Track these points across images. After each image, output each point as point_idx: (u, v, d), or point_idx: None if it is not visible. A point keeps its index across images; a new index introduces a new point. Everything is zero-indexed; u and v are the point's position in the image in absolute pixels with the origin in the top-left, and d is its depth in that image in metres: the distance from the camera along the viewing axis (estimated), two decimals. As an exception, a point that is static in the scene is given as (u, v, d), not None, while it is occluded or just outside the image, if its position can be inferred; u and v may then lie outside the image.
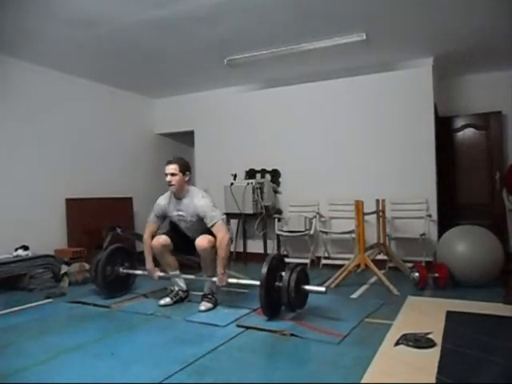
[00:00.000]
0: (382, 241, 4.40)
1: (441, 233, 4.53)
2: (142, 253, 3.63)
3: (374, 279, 4.27)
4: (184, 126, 6.58)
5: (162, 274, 3.55)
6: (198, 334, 2.77)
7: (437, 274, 3.87)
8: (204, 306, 3.29)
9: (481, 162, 5.48)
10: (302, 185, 5.56)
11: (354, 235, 4.43)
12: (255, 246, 5.66)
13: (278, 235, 5.50)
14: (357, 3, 3.63)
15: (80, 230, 5.17)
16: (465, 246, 3.89)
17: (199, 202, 3.30)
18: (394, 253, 4.70)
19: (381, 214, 4.45)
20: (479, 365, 2.16)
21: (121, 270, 3.80)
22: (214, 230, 3.22)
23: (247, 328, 2.84)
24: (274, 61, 4.93)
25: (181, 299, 3.54)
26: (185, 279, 3.61)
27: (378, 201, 4.41)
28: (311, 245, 5.27)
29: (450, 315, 2.99)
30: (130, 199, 6.02)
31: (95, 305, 3.53)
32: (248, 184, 5.31)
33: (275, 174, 5.77)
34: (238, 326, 2.90)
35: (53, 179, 5.09)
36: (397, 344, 2.45)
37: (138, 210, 6.08)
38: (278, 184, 5.77)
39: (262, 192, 5.37)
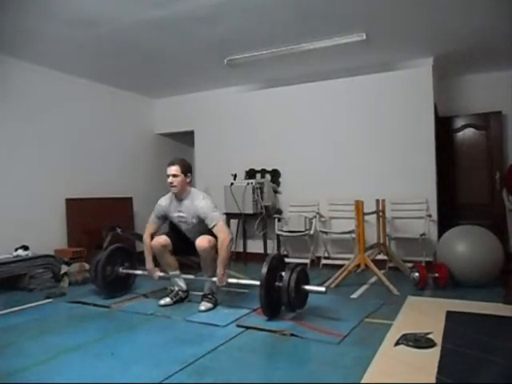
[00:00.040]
0: (382, 241, 4.40)
1: (441, 233, 4.53)
2: (142, 253, 3.63)
3: (374, 279, 4.27)
4: (184, 126, 6.58)
5: (161, 274, 3.55)
6: (198, 334, 2.77)
7: (437, 274, 3.87)
8: (204, 305, 3.29)
9: (481, 162, 5.48)
10: (302, 185, 5.56)
11: (354, 235, 4.43)
12: (255, 246, 5.66)
13: (278, 235, 5.50)
14: (357, 3, 3.63)
15: (80, 229, 5.17)
16: (465, 246, 3.89)
17: (200, 203, 3.31)
18: (394, 253, 4.70)
19: (381, 213, 4.45)
20: (479, 365, 2.16)
21: (121, 270, 3.80)
22: (215, 230, 3.22)
23: (247, 328, 2.84)
24: (274, 61, 4.93)
25: (181, 299, 3.54)
26: (185, 279, 3.61)
27: (377, 201, 4.41)
28: (311, 245, 5.27)
29: (450, 315, 2.99)
30: (130, 199, 6.02)
31: (95, 305, 3.53)
32: (248, 184, 5.31)
33: (275, 174, 5.77)
34: (238, 325, 2.90)
35: (53, 179, 5.09)
36: (397, 344, 2.45)
37: (138, 210, 6.08)
38: (278, 184, 5.77)
39: (262, 192, 5.37)
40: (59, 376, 2.15)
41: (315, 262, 5.28)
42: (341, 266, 4.32)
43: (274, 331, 2.74)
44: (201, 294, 3.44)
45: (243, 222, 5.65)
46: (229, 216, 5.29)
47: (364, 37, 4.25)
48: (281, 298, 2.97)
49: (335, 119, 5.43)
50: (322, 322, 2.91)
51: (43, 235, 4.84)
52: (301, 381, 2.07)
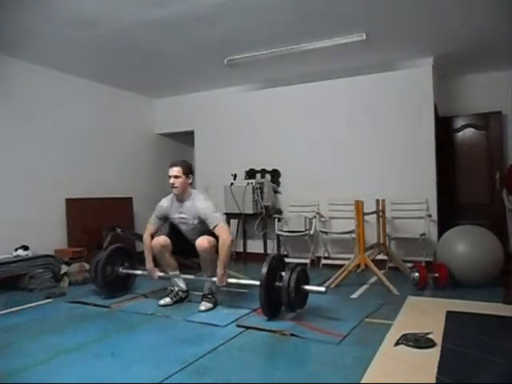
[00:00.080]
0: (382, 241, 4.40)
1: (441, 233, 4.53)
2: (142, 253, 3.63)
3: (374, 279, 4.27)
4: (184, 126, 6.58)
5: (161, 274, 3.55)
6: (198, 333, 2.77)
7: (437, 274, 3.87)
8: (204, 306, 3.29)
9: (481, 162, 5.48)
10: (302, 185, 5.56)
11: (354, 235, 4.43)
12: (255, 246, 5.66)
13: (278, 235, 5.50)
14: (357, 3, 3.63)
15: (80, 229, 5.17)
16: (465, 246, 3.89)
17: (201, 204, 3.32)
18: (394, 253, 4.70)
19: (381, 214, 4.45)
20: (479, 365, 2.16)
21: (121, 270, 3.80)
22: (216, 231, 3.23)
23: (247, 328, 2.84)
24: (274, 61, 4.93)
25: (181, 299, 3.55)
26: (185, 279, 3.61)
27: (378, 201, 4.41)
28: (311, 245, 5.27)
29: (450, 315, 2.99)
30: (130, 199, 6.02)
31: (95, 305, 3.53)
32: (248, 184, 5.31)
33: (275, 174, 5.77)
34: (238, 326, 2.90)
35: (53, 179, 5.09)
36: (397, 344, 2.45)
37: (138, 210, 6.08)
38: (278, 184, 5.77)
39: (262, 192, 5.37)
40: (59, 376, 2.16)
41: (315, 261, 5.28)
42: (341, 265, 4.32)
43: (274, 331, 2.74)
44: (201, 294, 3.44)
45: (243, 221, 5.65)
46: (229, 216, 5.29)
47: (364, 37, 4.25)
48: (281, 298, 2.97)
49: (335, 119, 5.43)
50: (322, 322, 2.91)
51: (43, 235, 4.84)
52: (301, 381, 2.08)
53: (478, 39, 4.45)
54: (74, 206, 5.21)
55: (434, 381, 1.98)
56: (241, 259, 5.67)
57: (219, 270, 3.21)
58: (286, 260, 3.49)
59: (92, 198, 5.40)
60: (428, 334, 2.56)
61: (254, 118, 5.92)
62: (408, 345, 2.42)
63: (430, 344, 2.41)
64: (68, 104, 5.35)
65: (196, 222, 3.36)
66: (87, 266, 4.38)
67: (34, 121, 4.92)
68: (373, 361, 2.23)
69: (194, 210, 3.33)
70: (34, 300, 3.76)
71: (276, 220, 5.47)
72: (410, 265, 4.41)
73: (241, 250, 5.76)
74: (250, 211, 5.28)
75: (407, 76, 5.06)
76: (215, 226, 3.23)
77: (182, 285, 3.59)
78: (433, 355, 2.27)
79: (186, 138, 6.91)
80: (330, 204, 5.39)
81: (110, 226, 4.76)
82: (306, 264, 4.84)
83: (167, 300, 3.47)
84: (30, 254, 4.36)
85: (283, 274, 2.99)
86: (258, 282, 2.97)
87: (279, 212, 5.61)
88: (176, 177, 3.33)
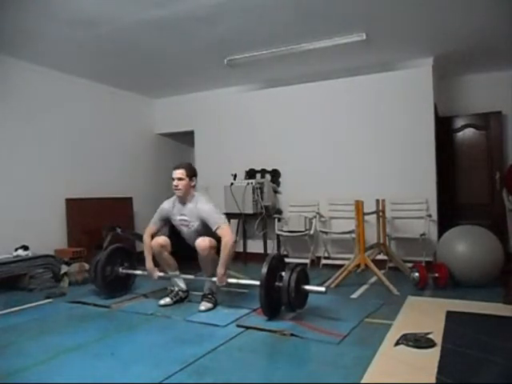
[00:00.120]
0: (382, 241, 4.40)
1: (441, 233, 4.53)
2: (141, 253, 3.63)
3: (374, 279, 4.27)
4: (184, 126, 6.58)
5: (161, 274, 3.55)
6: (198, 333, 2.77)
7: (437, 274, 3.87)
8: (204, 305, 3.29)
9: (481, 162, 5.48)
10: (302, 185, 5.56)
11: (354, 235, 4.43)
12: (255, 246, 5.66)
13: (278, 235, 5.50)
14: (357, 3, 3.63)
15: (80, 229, 5.17)
16: (465, 246, 3.89)
17: (203, 206, 3.34)
18: (394, 253, 4.70)
19: (381, 214, 4.45)
20: (479, 365, 2.16)
21: (120, 270, 3.80)
22: (218, 233, 3.23)
23: (247, 328, 2.84)
24: (274, 61, 4.93)
25: (181, 299, 3.55)
26: (185, 279, 3.61)
27: (377, 201, 4.41)
28: (311, 245, 5.27)
29: (450, 315, 2.99)
30: (130, 199, 6.02)
31: (95, 305, 3.53)
32: (248, 184, 5.31)
33: (275, 174, 5.77)
34: (238, 326, 2.90)
35: (53, 179, 5.09)
36: (397, 344, 2.45)
37: (138, 210, 6.08)
38: (278, 184, 5.77)
39: (262, 192, 5.37)
40: (59, 376, 2.15)
41: (315, 261, 5.28)
42: (341, 265, 4.31)
43: (274, 331, 2.74)
44: (201, 294, 3.44)
45: (243, 221, 5.65)
46: (229, 216, 5.28)
47: (364, 37, 4.25)
48: (281, 298, 2.97)
49: (335, 119, 5.43)
50: (322, 322, 2.91)
51: (43, 235, 4.84)
52: (301, 381, 2.07)
53: (478, 39, 4.45)
54: (74, 206, 5.21)
55: (434, 381, 1.98)
56: (241, 259, 5.67)
57: (220, 270, 3.21)
58: (286, 260, 3.49)
59: (92, 198, 5.40)
60: (428, 333, 2.56)
61: (253, 118, 5.92)
62: (408, 345, 2.42)
63: (429, 344, 2.41)
64: (68, 104, 5.35)
65: (197, 223, 3.37)
66: (87, 266, 4.37)
67: (33, 121, 4.92)
68: (373, 361, 2.23)
69: (196, 212, 3.35)
70: (34, 300, 3.76)
71: (276, 220, 5.47)
72: (410, 265, 4.41)
73: (241, 250, 5.76)
74: (250, 211, 5.28)
75: (407, 76, 5.06)
76: (218, 228, 3.24)
77: (182, 285, 3.60)
78: (433, 355, 2.27)
79: (186, 138, 6.91)
80: (329, 204, 5.39)
81: (109, 226, 4.75)
82: (306, 264, 4.84)
83: (167, 300, 3.47)
84: (30, 254, 4.36)
85: (283, 274, 2.99)
86: (257, 282, 2.97)
87: (279, 212, 5.61)
88: (179, 179, 3.35)
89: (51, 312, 3.41)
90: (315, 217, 5.33)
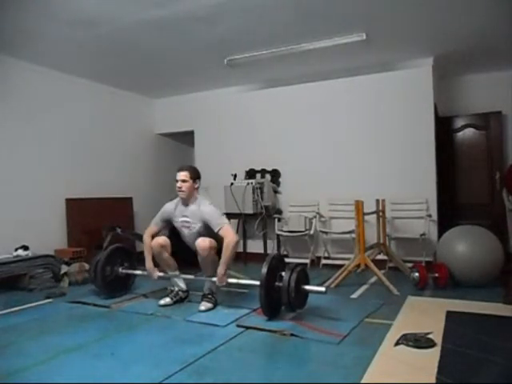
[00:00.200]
0: (382, 241, 4.40)
1: (441, 233, 4.53)
2: (141, 253, 3.63)
3: (374, 279, 4.27)
4: (184, 126, 6.58)
5: (161, 274, 3.55)
6: (198, 333, 2.77)
7: (437, 274, 3.87)
8: (204, 306, 3.29)
9: (481, 162, 5.48)
10: (302, 185, 5.56)
11: (354, 235, 4.43)
12: (255, 246, 5.66)
13: (278, 235, 5.50)
14: (357, 3, 3.63)
15: (80, 229, 5.17)
16: (465, 246, 3.89)
17: (206, 208, 3.36)
18: (394, 253, 4.70)
19: (381, 214, 4.45)
20: (479, 365, 2.16)
21: (120, 270, 3.80)
22: (221, 233, 3.23)
23: (247, 328, 2.84)
24: (274, 61, 4.93)
25: (181, 299, 3.55)
26: (185, 279, 3.61)
27: (377, 201, 4.41)
28: (311, 245, 5.27)
29: (450, 315, 2.99)
30: (130, 199, 6.02)
31: (95, 305, 3.53)
32: (248, 184, 5.31)
33: (275, 174, 5.77)
34: (238, 326, 2.90)
35: (53, 179, 5.09)
36: (397, 344, 2.45)
37: (138, 210, 6.08)
38: (278, 184, 5.77)
39: (262, 192, 5.37)
40: (59, 376, 2.15)
41: (315, 261, 5.28)
42: (341, 266, 4.31)
43: (274, 331, 2.74)
44: (201, 294, 3.44)
45: (243, 221, 5.65)
46: (229, 216, 5.25)
47: (364, 37, 4.25)
48: (281, 298, 2.96)
49: (335, 119, 5.43)
50: (322, 322, 2.91)
51: (43, 235, 4.84)
52: (301, 381, 2.07)
53: (478, 39, 4.45)
54: (74, 206, 5.21)
55: (434, 381, 1.98)
56: (241, 259, 5.66)
57: (220, 270, 3.21)
58: (286, 260, 3.49)
59: (92, 197, 5.40)
60: (428, 333, 2.56)
61: (253, 118, 5.92)
62: (408, 345, 2.42)
63: (430, 344, 2.41)
64: (68, 104, 5.35)
65: (199, 225, 3.37)
66: (87, 266, 4.37)
67: (34, 121, 4.92)
68: (373, 361, 2.23)
69: (199, 213, 3.36)
70: (34, 300, 3.76)
71: (276, 220, 5.47)
72: (410, 265, 4.41)
73: (241, 250, 5.76)
74: (250, 211, 5.28)
75: (407, 76, 5.06)
76: (220, 229, 3.24)
77: (182, 285, 3.60)
78: (433, 355, 2.27)
79: (186, 138, 6.91)
80: (330, 204, 5.39)
81: (110, 226, 4.76)
82: (306, 264, 4.84)
83: (167, 300, 3.47)
84: (30, 254, 4.36)
85: (283, 274, 2.99)
86: (258, 282, 2.97)
87: (279, 212, 5.61)
88: (183, 181, 3.38)
89: (51, 312, 3.41)
90: (315, 217, 5.33)
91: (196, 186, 3.44)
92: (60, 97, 5.26)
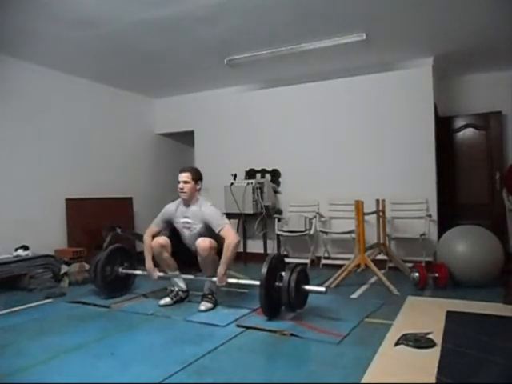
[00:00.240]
0: (382, 241, 4.40)
1: (441, 233, 4.53)
2: (141, 253, 3.63)
3: (374, 279, 4.27)
4: (184, 126, 6.58)
5: (161, 273, 3.55)
6: (198, 334, 2.77)
7: (437, 274, 3.87)
8: (204, 305, 3.29)
9: (481, 162, 5.48)
10: (302, 185, 5.56)
11: (354, 235, 4.43)
12: (255, 246, 5.66)
13: (278, 235, 5.50)
14: (357, 3, 3.63)
15: (80, 229, 5.17)
16: (465, 246, 3.89)
17: (207, 209, 3.37)
18: (394, 253, 4.70)
19: (381, 214, 4.45)
20: (479, 365, 2.16)
21: (120, 270, 3.80)
22: (222, 234, 3.24)
23: (247, 328, 2.84)
24: (274, 61, 4.93)
25: (181, 299, 3.55)
26: (185, 279, 3.61)
27: (377, 201, 4.41)
28: (311, 245, 5.27)
29: (450, 315, 2.99)
30: (130, 199, 6.02)
31: (95, 305, 3.53)
32: (248, 184, 5.31)
33: (275, 174, 5.77)
34: (238, 326, 2.90)
35: (53, 179, 5.09)
36: (397, 344, 2.45)
37: (138, 210, 6.08)
38: (278, 184, 5.77)
39: (262, 192, 5.37)
40: (59, 376, 2.15)
41: (315, 261, 5.28)
42: (341, 266, 4.31)
43: (274, 331, 2.74)
44: (201, 294, 3.44)
45: (243, 221, 5.65)
46: (229, 216, 5.25)
47: (364, 37, 4.25)
48: (281, 298, 2.96)
49: (335, 119, 5.43)
50: (322, 322, 2.91)
51: (43, 235, 4.84)
52: (301, 381, 2.07)
53: (477, 39, 4.45)
54: (74, 206, 5.21)
55: (434, 381, 1.98)
56: (241, 259, 5.66)
57: (220, 270, 3.21)
58: (286, 260, 3.50)
59: (92, 197, 5.40)
60: (428, 333, 2.56)
61: (253, 118, 5.92)
62: (408, 345, 2.42)
63: (430, 344, 2.41)
64: (68, 104, 5.35)
65: (200, 226, 3.38)
66: (87, 266, 4.37)
67: (34, 121, 4.92)
68: (373, 361, 2.23)
69: (201, 214, 3.37)
70: (34, 300, 3.76)
71: (276, 220, 5.47)
72: (410, 265, 4.41)
73: (241, 250, 5.76)
74: (250, 211, 5.29)
75: (407, 76, 5.06)
76: (221, 229, 3.25)
77: (182, 285, 3.60)
78: (433, 355, 2.27)
79: (186, 138, 6.91)
80: (330, 204, 5.39)
81: (110, 226, 4.76)
82: (306, 264, 4.84)
83: (167, 300, 3.47)
84: (30, 254, 4.36)
85: (283, 274, 2.99)
86: (258, 282, 2.97)
87: (279, 212, 5.61)
88: (185, 182, 3.39)
89: (51, 312, 3.41)
90: (315, 217, 5.33)
91: (198, 187, 3.45)
92: (60, 97, 5.26)
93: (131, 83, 5.94)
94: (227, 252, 3.19)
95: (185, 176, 3.40)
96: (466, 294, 3.62)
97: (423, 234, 4.70)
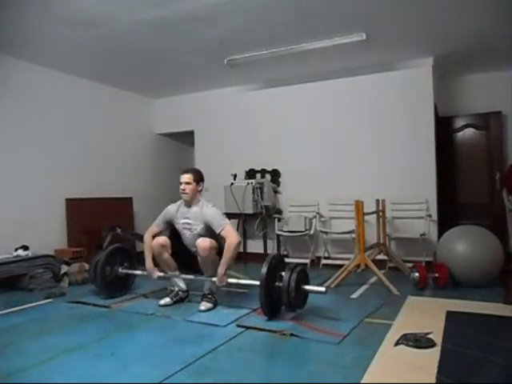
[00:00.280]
0: (382, 241, 4.40)
1: (441, 233, 4.53)
2: (141, 253, 3.64)
3: (374, 279, 4.27)
4: (184, 126, 6.58)
5: (161, 273, 3.55)
6: (198, 333, 2.77)
7: (437, 274, 3.87)
8: (204, 305, 3.29)
9: (481, 162, 5.48)
10: (302, 185, 5.56)
11: (354, 235, 4.43)
12: (255, 246, 5.66)
13: (278, 235, 5.50)
14: (357, 3, 3.63)
15: (80, 229, 5.17)
16: (465, 246, 3.89)
17: (208, 210, 3.37)
18: (394, 253, 4.70)
19: (381, 214, 4.45)
20: (479, 365, 2.16)
21: (120, 270, 3.80)
22: (223, 234, 3.24)
23: (247, 328, 2.84)
24: (274, 61, 4.93)
25: (181, 299, 3.55)
26: (185, 279, 3.61)
27: (377, 201, 4.41)
28: (311, 245, 5.27)
29: (450, 315, 2.99)
30: (130, 199, 6.02)
31: (95, 305, 3.53)
32: (248, 184, 5.31)
33: (275, 174, 5.77)
34: (238, 326, 2.90)
35: (53, 179, 5.09)
36: (397, 344, 2.45)
37: (138, 210, 6.08)
38: (278, 184, 5.77)
39: (262, 192, 5.37)
40: (59, 376, 2.15)
41: (315, 261, 5.28)
42: (341, 266, 4.31)
43: (274, 331, 2.74)
44: (201, 294, 3.44)
45: (243, 221, 5.65)
46: (229, 216, 5.25)
47: (364, 37, 4.25)
48: (281, 298, 2.96)
49: (335, 119, 5.43)
50: (322, 322, 2.91)
51: (43, 235, 4.84)
52: (301, 381, 2.08)
53: (477, 39, 4.45)
54: (74, 206, 5.21)
55: (434, 381, 1.98)
56: (241, 259, 5.66)
57: (220, 270, 3.21)
58: (286, 260, 3.50)
59: (92, 197, 5.40)
60: (428, 333, 2.56)
61: (253, 117, 5.92)
62: (408, 345, 2.42)
63: (430, 344, 2.41)
64: (68, 104, 5.35)
65: (201, 227, 3.38)
66: (87, 266, 4.37)
67: (33, 121, 4.92)
68: (373, 361, 2.23)
69: (201, 215, 3.37)
70: (34, 300, 3.76)
71: (276, 220, 5.47)
72: (410, 265, 4.41)
73: (241, 250, 5.74)
74: (250, 211, 5.29)
75: (407, 76, 5.06)
76: (222, 230, 3.25)
77: (182, 285, 3.60)
78: (433, 355, 2.27)
79: (186, 138, 6.91)
80: (329, 204, 5.39)
81: (110, 226, 4.75)
82: (306, 264, 4.84)
83: (167, 300, 3.47)
84: (30, 254, 4.36)
85: (283, 274, 2.99)
86: (258, 282, 2.97)
87: (279, 212, 5.61)
88: (187, 183, 3.40)
89: (51, 312, 3.41)
90: (315, 217, 5.33)
91: (199, 188, 3.46)
92: (60, 97, 5.26)
93: (131, 83, 5.94)
94: (228, 252, 3.19)
95: (187, 177, 3.41)
96: (466, 294, 3.62)
97: (423, 234, 4.70)
